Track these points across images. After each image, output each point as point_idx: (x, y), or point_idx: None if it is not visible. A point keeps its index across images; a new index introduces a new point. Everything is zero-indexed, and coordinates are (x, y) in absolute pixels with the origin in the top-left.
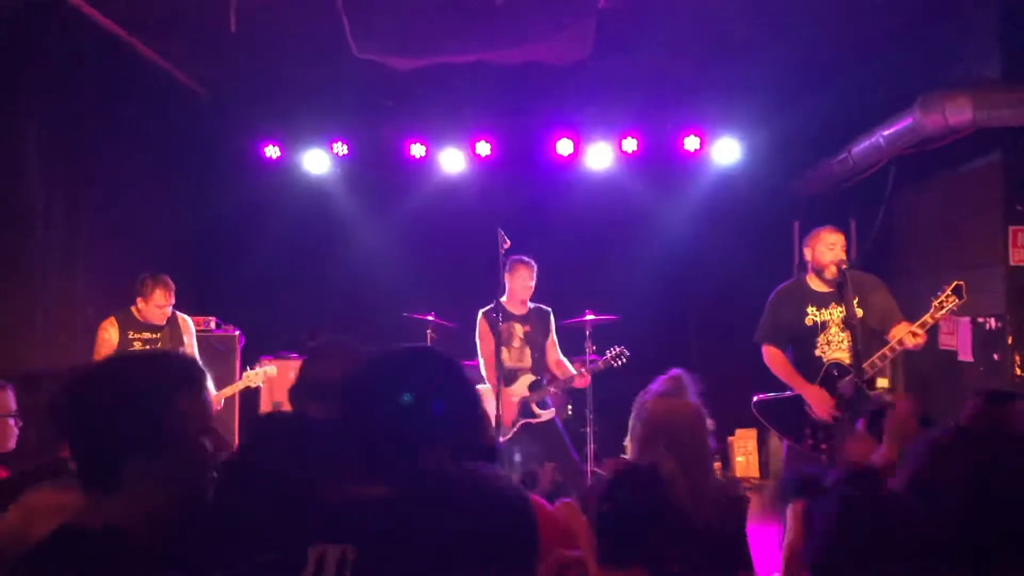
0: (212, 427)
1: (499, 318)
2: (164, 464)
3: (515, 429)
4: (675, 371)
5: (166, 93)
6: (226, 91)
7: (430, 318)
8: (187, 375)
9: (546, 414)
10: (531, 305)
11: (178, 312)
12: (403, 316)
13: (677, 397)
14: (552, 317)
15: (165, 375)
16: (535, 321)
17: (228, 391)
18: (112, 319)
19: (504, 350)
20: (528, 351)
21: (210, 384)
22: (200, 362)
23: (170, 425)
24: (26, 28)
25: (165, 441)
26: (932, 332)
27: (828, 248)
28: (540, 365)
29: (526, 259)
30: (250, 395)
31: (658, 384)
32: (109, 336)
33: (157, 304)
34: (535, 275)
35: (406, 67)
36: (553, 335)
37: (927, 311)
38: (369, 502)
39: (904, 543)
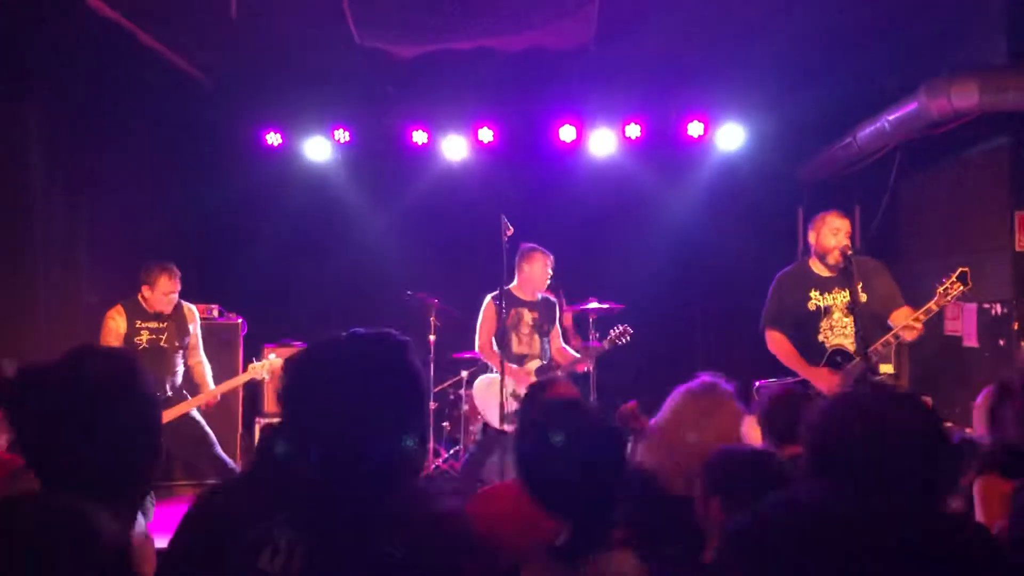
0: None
1: (503, 304)
2: (115, 464)
3: None
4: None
5: (167, 80)
6: (227, 78)
7: (434, 303)
8: (140, 380)
9: None
10: (540, 294)
11: (183, 301)
12: (406, 296)
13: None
14: (558, 308)
15: (124, 372)
16: (543, 309)
17: (230, 384)
18: (119, 307)
19: (514, 336)
20: (537, 338)
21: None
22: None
23: (125, 423)
24: (25, 16)
25: (124, 438)
26: (937, 317)
27: (832, 233)
28: (546, 352)
29: (543, 248)
30: (254, 395)
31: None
32: (116, 324)
33: (163, 291)
34: (552, 265)
35: (408, 54)
36: (557, 325)
37: (931, 298)
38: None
39: None
